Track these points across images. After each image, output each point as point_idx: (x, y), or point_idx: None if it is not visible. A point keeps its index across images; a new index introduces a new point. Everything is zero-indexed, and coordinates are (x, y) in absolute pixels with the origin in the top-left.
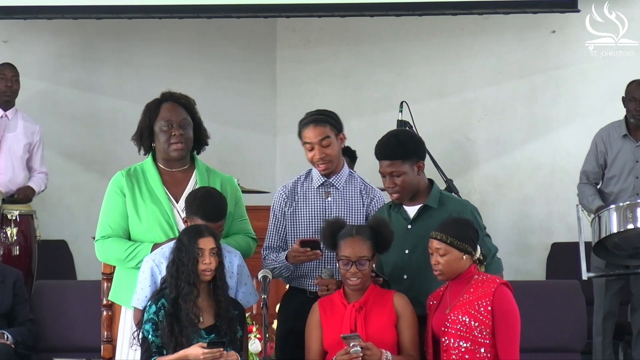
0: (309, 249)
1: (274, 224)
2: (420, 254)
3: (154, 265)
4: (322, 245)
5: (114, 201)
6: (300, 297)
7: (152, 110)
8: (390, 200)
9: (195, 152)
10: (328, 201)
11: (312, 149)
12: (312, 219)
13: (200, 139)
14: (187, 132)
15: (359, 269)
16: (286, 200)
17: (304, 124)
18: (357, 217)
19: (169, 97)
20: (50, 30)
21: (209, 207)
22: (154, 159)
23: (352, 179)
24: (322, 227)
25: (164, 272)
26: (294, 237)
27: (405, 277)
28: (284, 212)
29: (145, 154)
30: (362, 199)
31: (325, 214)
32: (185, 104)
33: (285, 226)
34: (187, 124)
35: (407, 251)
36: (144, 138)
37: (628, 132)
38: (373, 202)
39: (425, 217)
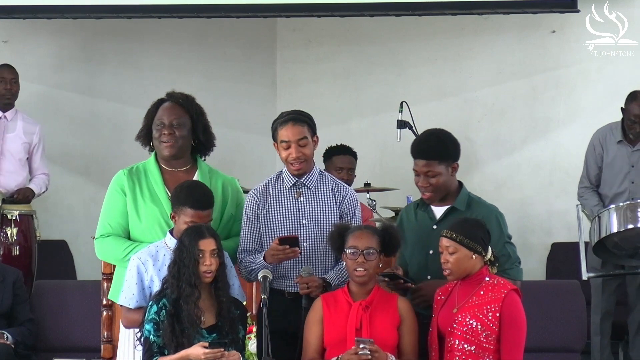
0: (287, 246)
1: (247, 227)
2: None
3: (140, 263)
4: (300, 243)
5: (115, 200)
6: (280, 298)
7: (151, 111)
8: (419, 198)
9: (199, 155)
10: (300, 201)
11: (288, 148)
12: (285, 219)
13: (204, 142)
14: (180, 131)
15: (367, 259)
16: (258, 202)
17: (281, 122)
18: (330, 216)
19: (169, 97)
20: (50, 30)
21: (197, 195)
22: (157, 159)
23: (323, 179)
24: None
25: (150, 271)
26: (269, 238)
27: (429, 277)
28: (257, 214)
29: (150, 152)
30: (335, 197)
31: (299, 213)
32: (182, 103)
33: (259, 229)
34: (180, 123)
35: (431, 252)
36: (146, 138)
37: (624, 137)
38: (345, 200)
39: (451, 218)
